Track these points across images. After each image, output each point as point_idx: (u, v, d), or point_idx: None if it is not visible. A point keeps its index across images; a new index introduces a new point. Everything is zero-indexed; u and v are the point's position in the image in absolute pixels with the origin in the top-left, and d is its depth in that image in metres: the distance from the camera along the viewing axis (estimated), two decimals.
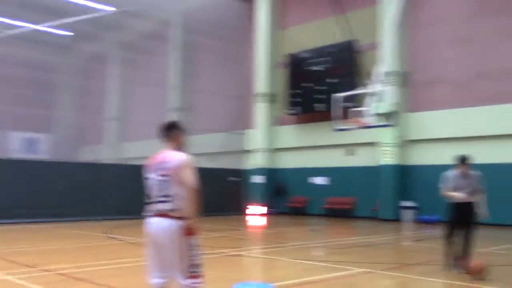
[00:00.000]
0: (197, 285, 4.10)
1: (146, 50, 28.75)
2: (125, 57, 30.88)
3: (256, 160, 25.66)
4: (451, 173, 7.87)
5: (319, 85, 23.32)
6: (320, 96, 23.07)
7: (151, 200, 4.25)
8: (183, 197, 4.11)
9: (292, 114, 24.58)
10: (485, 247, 11.13)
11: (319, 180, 23.92)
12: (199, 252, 4.16)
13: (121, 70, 31.28)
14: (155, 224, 4.18)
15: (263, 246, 12.17)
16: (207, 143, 23.71)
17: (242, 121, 25.32)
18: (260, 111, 25.79)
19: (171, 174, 4.15)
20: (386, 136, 20.59)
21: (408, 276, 7.76)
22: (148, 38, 29.01)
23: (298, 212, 24.30)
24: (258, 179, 25.44)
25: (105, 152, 31.44)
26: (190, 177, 4.12)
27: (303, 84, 24.02)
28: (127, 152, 31.21)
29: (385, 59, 18.82)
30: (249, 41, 26.26)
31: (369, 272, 7.92)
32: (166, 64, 28.90)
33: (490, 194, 16.74)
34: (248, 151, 25.64)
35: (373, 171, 21.29)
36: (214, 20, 24.97)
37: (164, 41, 29.22)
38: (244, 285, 4.86)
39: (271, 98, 25.85)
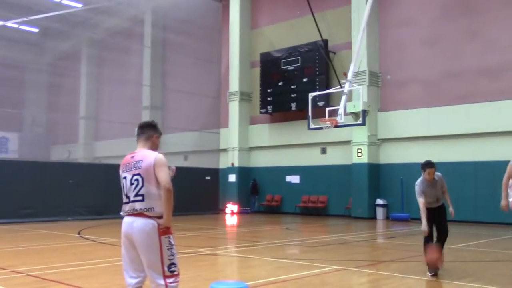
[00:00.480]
0: (174, 284, 4.10)
1: (118, 48, 28.41)
2: (97, 55, 30.45)
3: (230, 159, 25.67)
4: (420, 181, 7.91)
5: (292, 84, 23.46)
6: (293, 95, 23.23)
7: (126, 200, 4.21)
8: (158, 196, 4.10)
9: (264, 113, 24.67)
10: (454, 244, 11.38)
11: (293, 179, 24.07)
12: (176, 251, 4.18)
13: (93, 68, 30.83)
14: (131, 224, 4.13)
15: (238, 245, 12.20)
16: (180, 142, 23.59)
17: (216, 120, 25.28)
18: (234, 110, 25.79)
19: (145, 173, 4.12)
20: (358, 135, 20.84)
21: (382, 273, 7.88)
22: (120, 36, 28.68)
23: (273, 210, 24.40)
24: (232, 177, 25.45)
25: (77, 151, 30.99)
26: (164, 176, 4.12)
27: (276, 83, 24.13)
28: (100, 151, 30.84)
29: (357, 59, 19.03)
30: (222, 40, 26.24)
31: (343, 270, 8.02)
32: (139, 62, 28.63)
33: (457, 192, 17.09)
34: (222, 150, 25.63)
35: (346, 170, 21.53)
36: (186, 19, 24.83)
37: (136, 39, 28.94)
38: (220, 284, 4.88)
39: (245, 97, 25.89)
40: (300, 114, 22.51)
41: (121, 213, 4.27)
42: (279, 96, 23.92)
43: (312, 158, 23.27)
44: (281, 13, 24.98)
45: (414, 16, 20.56)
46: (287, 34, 24.44)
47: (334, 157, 22.51)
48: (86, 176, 19.83)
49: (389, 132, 20.83)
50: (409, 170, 20.07)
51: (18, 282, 6.85)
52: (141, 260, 4.13)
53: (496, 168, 17.29)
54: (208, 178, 23.74)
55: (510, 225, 16.10)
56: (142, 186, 4.13)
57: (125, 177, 4.27)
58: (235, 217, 22.07)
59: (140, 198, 4.12)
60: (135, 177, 4.17)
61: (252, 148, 25.92)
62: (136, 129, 4.40)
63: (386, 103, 21.13)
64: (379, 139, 21.17)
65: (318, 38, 21.17)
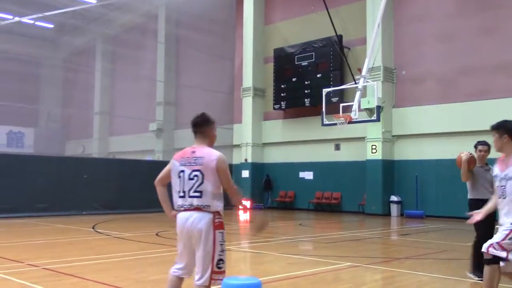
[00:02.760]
0: (220, 279, 4.20)
1: (132, 44, 28.56)
2: (111, 51, 30.63)
3: (244, 155, 25.69)
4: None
5: (305, 80, 23.38)
6: (307, 91, 23.15)
7: (182, 194, 4.23)
8: (213, 195, 4.18)
9: (278, 109, 24.63)
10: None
11: (307, 175, 24.02)
12: (226, 248, 4.26)
13: (108, 64, 31.03)
14: (187, 218, 4.18)
15: (252, 241, 12.20)
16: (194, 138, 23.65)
17: (230, 116, 25.28)
18: (247, 106, 25.78)
19: (205, 171, 4.18)
20: (373, 131, 20.71)
21: (396, 270, 7.83)
22: (134, 31, 28.82)
23: (286, 206, 24.38)
24: (245, 173, 25.47)
25: (92, 146, 31.23)
26: (227, 175, 4.27)
27: (289, 79, 24.06)
28: (114, 146, 31.07)
29: (372, 54, 18.89)
30: (236, 36, 26.22)
31: (356, 266, 7.98)
32: (153, 58, 28.73)
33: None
34: (235, 146, 25.65)
35: (360, 166, 21.42)
36: (200, 14, 24.86)
37: (150, 35, 29.05)
38: (232, 279, 4.88)
39: (258, 92, 25.86)
40: (314, 110, 22.43)
41: (175, 208, 4.31)
42: (293, 92, 23.85)
43: (325, 154, 23.19)
44: (295, 9, 24.87)
45: (429, 11, 20.34)
46: (301, 29, 24.34)
47: (348, 154, 22.40)
48: (100, 171, 19.98)
49: (403, 128, 20.67)
50: (424, 167, 19.96)
51: (33, 275, 6.92)
52: (195, 253, 4.18)
53: None
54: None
55: None
56: (202, 183, 4.17)
57: (183, 171, 4.25)
58: (248, 213, 22.09)
59: (198, 194, 4.17)
60: (194, 173, 4.20)
61: (265, 144, 25.89)
62: (191, 125, 4.49)
63: (401, 99, 20.96)
64: (393, 136, 21.02)
65: (332, 34, 21.04)
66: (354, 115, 18.48)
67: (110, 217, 17.49)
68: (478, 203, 6.70)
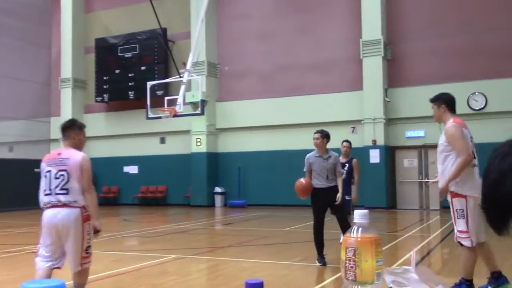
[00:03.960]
0: (89, 263, 4.83)
1: None
2: None
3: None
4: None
5: (129, 72, 22.81)
6: (131, 84, 22.63)
7: (48, 192, 4.73)
8: (80, 191, 4.72)
9: (100, 101, 23.67)
10: (287, 227, 12.11)
11: (131, 169, 23.51)
12: (92, 236, 4.87)
13: None
14: (56, 214, 4.66)
15: None
16: (4, 132, 21.51)
17: (46, 108, 23.52)
18: (67, 98, 24.28)
19: (70, 170, 4.71)
20: (198, 124, 21.06)
21: (220, 258, 8.09)
22: None
23: (110, 202, 23.57)
24: None
25: None
26: (88, 173, 4.80)
27: (112, 71, 23.25)
28: None
29: (196, 49, 19.17)
30: (53, 22, 24.46)
31: (182, 258, 8.06)
32: None
33: (288, 178, 18.11)
34: (53, 140, 23.95)
35: (186, 159, 21.63)
36: None
37: None
38: (32, 283, 4.57)
39: (79, 84, 24.53)
40: (138, 103, 22.02)
41: (41, 205, 4.78)
42: (116, 84, 23.09)
43: (151, 148, 22.94)
44: None
45: (250, 10, 21.31)
46: (124, 20, 23.64)
47: (173, 147, 22.46)
48: None
49: (227, 121, 21.40)
50: (246, 159, 20.92)
51: None
52: (63, 245, 4.70)
53: None
54: (37, 170, 21.99)
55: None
56: (68, 181, 4.70)
57: (49, 171, 4.76)
58: None
59: (64, 191, 4.69)
60: (60, 172, 4.71)
61: (87, 138, 24.57)
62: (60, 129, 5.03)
63: (224, 94, 21.66)
64: (217, 129, 21.64)
65: (156, 26, 20.82)
66: (179, 108, 18.57)
67: None
68: (314, 191, 7.20)
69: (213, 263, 7.79)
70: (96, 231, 4.92)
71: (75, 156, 4.80)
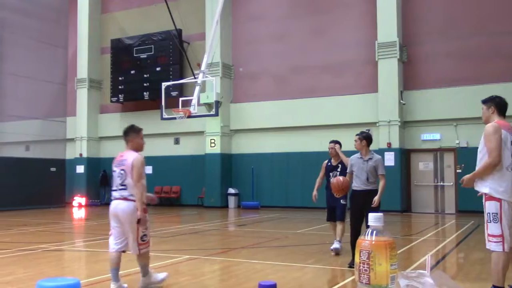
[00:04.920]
0: (146, 249, 5.69)
1: None
2: None
3: (78, 149, 24.41)
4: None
5: (144, 73, 22.96)
6: (146, 84, 22.76)
7: (115, 188, 5.78)
8: (133, 185, 5.66)
9: (116, 101, 23.84)
10: (300, 229, 12.08)
11: (146, 169, 23.59)
12: (148, 226, 5.72)
13: None
14: (116, 205, 5.67)
15: (87, 239, 11.65)
16: (21, 131, 21.76)
17: (62, 108, 23.71)
18: (82, 98, 24.54)
19: (126, 169, 5.73)
20: (212, 125, 21.12)
21: (233, 259, 8.08)
22: None
23: None
24: (80, 169, 24.23)
25: None
26: (136, 171, 5.72)
27: (128, 71, 23.41)
28: None
29: (211, 50, 19.22)
30: (70, 23, 24.68)
31: (195, 259, 8.07)
32: None
33: (303, 180, 18.13)
34: (69, 140, 24.19)
35: (199, 160, 21.69)
36: None
37: None
38: (48, 281, 4.60)
39: (94, 84, 24.75)
40: (153, 104, 22.15)
41: (111, 198, 5.80)
42: (131, 84, 23.25)
43: (165, 148, 23.03)
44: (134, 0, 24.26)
45: (265, 12, 21.32)
46: (140, 21, 23.81)
47: (187, 148, 22.53)
48: None
49: (241, 123, 21.41)
50: (260, 160, 20.92)
51: None
52: (124, 231, 5.63)
53: None
54: (53, 169, 22.28)
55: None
56: (125, 178, 5.72)
57: (114, 171, 5.84)
58: (83, 210, 21.04)
59: (123, 187, 5.71)
60: (121, 171, 5.77)
61: (102, 138, 24.90)
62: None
63: (239, 95, 21.68)
64: (231, 130, 21.67)
65: (172, 27, 20.94)
66: (193, 109, 18.64)
67: None
68: (352, 193, 7.18)
69: (226, 264, 7.78)
70: (139, 221, 5.55)
71: (130, 157, 5.83)
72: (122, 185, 5.71)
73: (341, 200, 8.15)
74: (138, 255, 5.66)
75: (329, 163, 8.66)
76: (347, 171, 7.47)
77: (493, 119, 5.04)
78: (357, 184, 7.17)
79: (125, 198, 5.67)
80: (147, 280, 5.77)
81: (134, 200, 5.62)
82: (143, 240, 5.65)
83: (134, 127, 6.20)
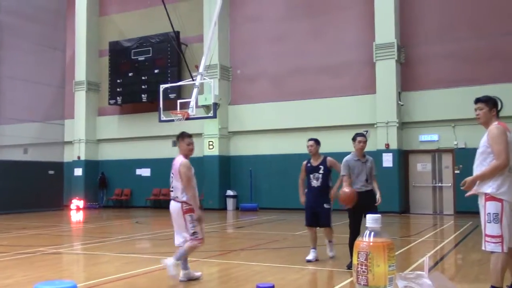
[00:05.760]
0: (198, 244, 6.45)
1: None
2: None
3: (76, 152, 24.39)
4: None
5: (142, 75, 22.96)
6: (144, 87, 22.76)
7: (171, 190, 6.57)
8: (180, 188, 6.38)
9: (114, 104, 23.83)
10: (298, 231, 12.07)
11: (144, 172, 23.61)
12: (196, 224, 6.37)
13: None
14: (171, 205, 6.52)
15: (85, 242, 11.64)
16: (19, 134, 21.74)
17: (60, 111, 23.69)
18: (80, 100, 24.53)
19: (175, 172, 6.50)
20: (210, 127, 21.12)
21: (231, 262, 8.08)
22: None
23: (122, 205, 23.71)
24: (78, 171, 24.21)
25: None
26: (184, 176, 6.37)
27: (126, 74, 23.41)
28: None
29: (209, 52, 19.23)
30: (68, 25, 24.66)
31: (194, 261, 8.05)
32: None
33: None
34: (67, 143, 24.16)
35: (198, 162, 21.65)
36: (25, 0, 22.86)
37: None
38: (45, 284, 4.60)
39: (92, 87, 24.75)
40: (151, 106, 22.14)
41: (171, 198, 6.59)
42: (129, 87, 23.25)
43: (163, 150, 23.02)
44: (132, 2, 24.25)
45: (262, 13, 21.34)
46: (137, 23, 23.81)
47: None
48: None
49: (239, 125, 21.42)
50: (258, 162, 20.92)
51: None
52: (178, 228, 6.49)
53: (333, 158, 18.78)
54: (51, 172, 22.26)
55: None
56: (173, 181, 6.51)
57: (171, 175, 6.62)
58: (81, 212, 21.02)
59: (172, 189, 6.51)
60: (172, 175, 6.57)
61: (100, 141, 24.88)
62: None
63: (237, 97, 21.69)
64: (229, 132, 21.67)
65: (169, 30, 20.95)
66: (192, 111, 18.64)
67: None
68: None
69: (224, 267, 7.78)
70: (198, 219, 6.37)
71: (177, 162, 6.51)
72: (172, 187, 6.52)
73: (325, 204, 7.81)
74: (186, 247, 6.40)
75: (309, 164, 8.13)
76: (342, 173, 7.26)
77: (493, 120, 5.04)
78: (358, 186, 7.15)
79: (173, 199, 6.47)
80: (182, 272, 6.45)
81: (180, 202, 6.37)
82: (195, 236, 6.37)
83: (182, 133, 6.79)
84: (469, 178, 4.94)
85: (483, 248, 4.86)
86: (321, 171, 7.88)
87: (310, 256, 7.73)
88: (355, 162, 7.25)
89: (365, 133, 7.81)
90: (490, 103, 5.06)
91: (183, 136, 6.75)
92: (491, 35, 17.31)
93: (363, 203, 6.93)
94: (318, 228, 8.03)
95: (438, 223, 15.00)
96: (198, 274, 6.56)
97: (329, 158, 8.02)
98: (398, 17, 18.69)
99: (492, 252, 4.80)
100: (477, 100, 5.14)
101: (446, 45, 17.98)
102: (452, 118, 17.67)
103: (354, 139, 7.45)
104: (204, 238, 6.57)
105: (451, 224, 14.59)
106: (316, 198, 7.83)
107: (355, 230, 7.01)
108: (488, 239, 4.79)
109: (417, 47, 18.58)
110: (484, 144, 4.93)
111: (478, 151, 5.00)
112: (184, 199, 6.35)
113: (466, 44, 17.66)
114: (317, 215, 7.87)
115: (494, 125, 4.92)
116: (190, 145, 6.72)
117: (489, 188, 4.80)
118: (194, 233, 6.34)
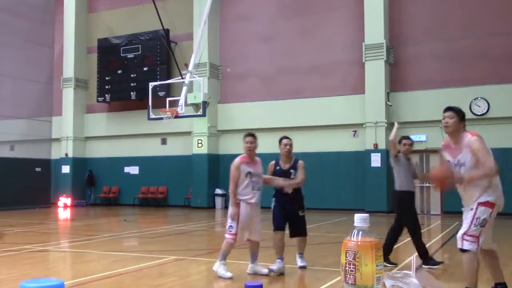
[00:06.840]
0: (230, 239, 6.70)
1: None
2: None
3: (64, 149, 24.22)
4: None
5: (131, 72, 22.85)
6: (133, 84, 22.66)
7: None
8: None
9: (102, 101, 23.70)
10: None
11: (132, 170, 23.51)
12: (232, 219, 6.68)
13: None
14: None
15: (72, 240, 11.56)
16: (6, 131, 21.52)
17: (48, 107, 23.48)
18: (68, 97, 24.37)
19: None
20: (199, 126, 21.08)
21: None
22: None
23: (110, 202, 23.60)
24: (66, 169, 24.05)
25: None
26: (231, 175, 7.14)
27: (114, 71, 23.29)
28: None
29: (198, 50, 19.20)
30: (56, 22, 24.47)
31: (182, 260, 8.04)
32: None
33: None
34: (54, 140, 23.98)
35: (187, 160, 21.63)
36: None
37: None
38: (31, 282, 4.57)
39: (81, 84, 24.58)
40: (140, 104, 22.05)
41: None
42: (118, 84, 23.13)
43: (152, 148, 22.96)
44: None
45: (253, 13, 21.33)
46: (127, 21, 23.69)
47: (174, 148, 22.47)
48: None
49: (228, 123, 21.39)
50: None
51: None
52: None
53: (322, 158, 18.85)
54: (38, 169, 22.08)
55: (349, 210, 17.61)
56: None
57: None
58: (68, 210, 20.88)
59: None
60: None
61: (88, 138, 24.73)
62: None
63: (226, 95, 21.66)
64: (218, 130, 21.64)
65: (159, 27, 20.88)
66: (181, 109, 18.61)
67: None
68: (403, 195, 7.40)
69: (212, 265, 7.76)
70: (232, 215, 6.72)
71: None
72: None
73: (299, 212, 7.17)
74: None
75: (278, 167, 7.41)
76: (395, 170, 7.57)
77: (461, 131, 5.02)
78: (410, 186, 7.66)
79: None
80: (216, 267, 6.71)
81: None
82: (230, 231, 6.63)
83: (249, 133, 7.44)
84: (465, 177, 4.80)
85: (459, 246, 4.89)
86: (292, 176, 7.14)
87: (277, 266, 6.75)
88: (406, 162, 7.78)
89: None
90: (461, 115, 5.08)
91: (244, 135, 7.35)
92: (480, 36, 17.46)
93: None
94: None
95: (425, 223, 15.09)
96: (265, 270, 6.65)
97: (300, 162, 7.34)
98: (387, 18, 18.78)
99: (464, 251, 4.81)
100: (449, 109, 5.15)
101: (435, 46, 18.10)
102: (440, 118, 17.53)
103: (399, 142, 7.86)
104: (239, 234, 6.65)
105: (438, 224, 14.69)
106: (289, 205, 7.18)
107: (399, 231, 7.67)
108: (465, 237, 4.86)
109: (405, 48, 18.69)
110: (469, 159, 4.82)
111: (464, 169, 4.84)
112: (239, 197, 6.79)
113: (455, 45, 17.79)
114: (291, 222, 7.23)
115: (475, 137, 4.87)
116: (247, 143, 7.24)
117: (489, 197, 4.79)
118: (230, 227, 6.66)
